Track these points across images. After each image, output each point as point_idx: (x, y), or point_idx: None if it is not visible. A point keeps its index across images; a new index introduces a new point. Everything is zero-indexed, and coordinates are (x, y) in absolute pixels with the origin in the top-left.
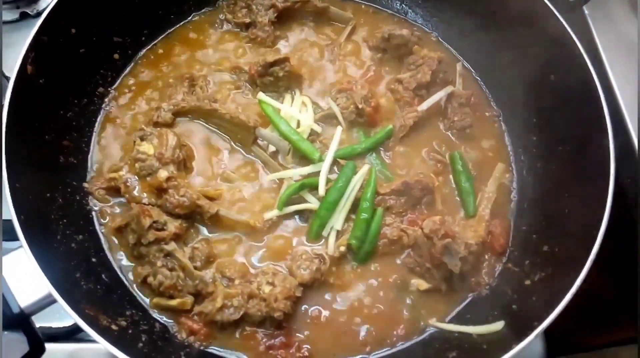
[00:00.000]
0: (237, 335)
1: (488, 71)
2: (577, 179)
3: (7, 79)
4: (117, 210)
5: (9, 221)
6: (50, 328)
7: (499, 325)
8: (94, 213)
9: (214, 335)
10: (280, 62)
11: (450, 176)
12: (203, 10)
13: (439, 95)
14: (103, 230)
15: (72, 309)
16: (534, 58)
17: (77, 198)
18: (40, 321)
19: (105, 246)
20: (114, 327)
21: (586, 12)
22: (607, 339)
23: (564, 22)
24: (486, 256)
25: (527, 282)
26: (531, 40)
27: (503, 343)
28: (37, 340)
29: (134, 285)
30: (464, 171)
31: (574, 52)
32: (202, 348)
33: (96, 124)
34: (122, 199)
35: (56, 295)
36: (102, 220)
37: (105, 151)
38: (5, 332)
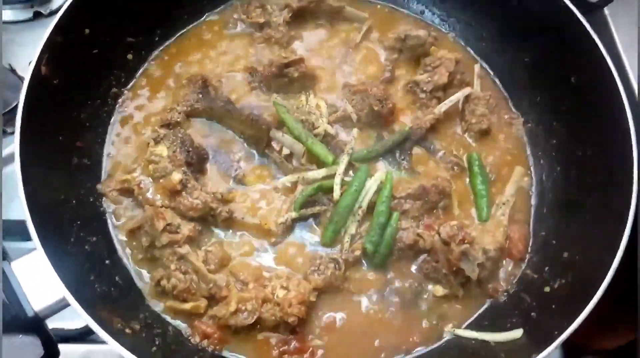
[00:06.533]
0: (251, 340)
1: (507, 73)
2: (598, 184)
3: (22, 79)
4: (131, 212)
5: (23, 222)
6: (63, 329)
7: (517, 333)
8: (107, 215)
9: (228, 339)
10: (295, 63)
11: (467, 180)
12: (217, 10)
13: (457, 97)
14: (116, 232)
15: (87, 313)
16: (554, 59)
17: (91, 199)
18: (53, 322)
19: (118, 248)
20: (127, 330)
21: (607, 12)
22: (617, 343)
23: (586, 23)
24: (504, 262)
25: (547, 289)
26: (552, 42)
27: (522, 352)
28: (51, 344)
29: (147, 288)
30: (481, 173)
31: (595, 54)
32: (215, 352)
33: (109, 126)
34: (136, 201)
35: (70, 299)
36: (115, 222)
37: (119, 152)
38: (20, 336)
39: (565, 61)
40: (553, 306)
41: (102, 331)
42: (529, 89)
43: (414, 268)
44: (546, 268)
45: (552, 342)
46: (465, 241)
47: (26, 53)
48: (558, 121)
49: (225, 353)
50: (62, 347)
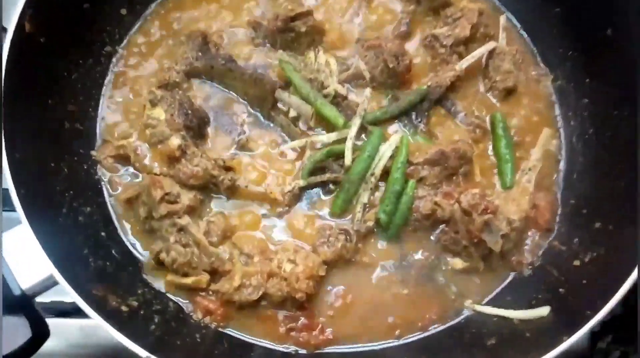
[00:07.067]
0: (256, 316)
1: (535, 25)
2: (634, 148)
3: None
4: (128, 180)
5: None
6: (63, 302)
7: (544, 311)
8: (103, 184)
9: (232, 315)
10: (303, 16)
11: (490, 143)
12: None
13: (480, 52)
14: (113, 202)
15: (77, 291)
16: (588, 9)
17: (85, 167)
18: (50, 296)
19: (115, 219)
20: (124, 308)
21: None
22: None
23: None
24: (529, 233)
25: (576, 263)
26: None
27: (550, 333)
28: (40, 325)
29: (146, 262)
30: (505, 135)
31: (636, 2)
32: (218, 329)
33: (104, 87)
34: (133, 169)
35: (59, 278)
36: (111, 191)
37: (114, 116)
38: (6, 316)
39: (600, 11)
40: (584, 281)
41: (93, 312)
42: (560, 42)
43: (431, 239)
44: (575, 240)
45: (584, 323)
46: (488, 211)
47: (13, 9)
48: (591, 78)
49: (229, 330)
50: (58, 321)
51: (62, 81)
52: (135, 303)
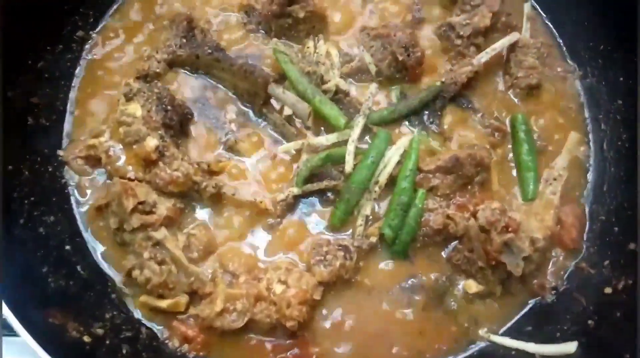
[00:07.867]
0: (241, 345)
1: (563, 14)
2: None
3: None
4: (100, 185)
5: None
6: None
7: (570, 347)
8: (70, 189)
9: (213, 343)
10: None
11: (511, 148)
12: None
13: (501, 44)
14: (81, 210)
15: (24, 325)
16: None
17: (50, 169)
18: None
19: (82, 230)
20: (86, 338)
21: None
22: None
23: None
24: (553, 252)
25: (608, 290)
26: None
27: None
28: None
29: (117, 280)
30: (527, 140)
31: None
32: None
33: (74, 77)
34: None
35: (4, 308)
36: (80, 198)
37: (85, 111)
38: None
39: None
40: (617, 314)
41: (43, 351)
42: (591, 35)
43: (442, 258)
44: (606, 262)
45: None
46: (510, 230)
47: None
48: (626, 75)
49: None
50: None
51: (25, 70)
52: (100, 331)
